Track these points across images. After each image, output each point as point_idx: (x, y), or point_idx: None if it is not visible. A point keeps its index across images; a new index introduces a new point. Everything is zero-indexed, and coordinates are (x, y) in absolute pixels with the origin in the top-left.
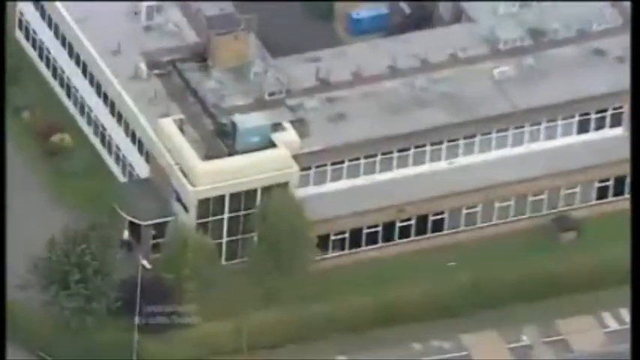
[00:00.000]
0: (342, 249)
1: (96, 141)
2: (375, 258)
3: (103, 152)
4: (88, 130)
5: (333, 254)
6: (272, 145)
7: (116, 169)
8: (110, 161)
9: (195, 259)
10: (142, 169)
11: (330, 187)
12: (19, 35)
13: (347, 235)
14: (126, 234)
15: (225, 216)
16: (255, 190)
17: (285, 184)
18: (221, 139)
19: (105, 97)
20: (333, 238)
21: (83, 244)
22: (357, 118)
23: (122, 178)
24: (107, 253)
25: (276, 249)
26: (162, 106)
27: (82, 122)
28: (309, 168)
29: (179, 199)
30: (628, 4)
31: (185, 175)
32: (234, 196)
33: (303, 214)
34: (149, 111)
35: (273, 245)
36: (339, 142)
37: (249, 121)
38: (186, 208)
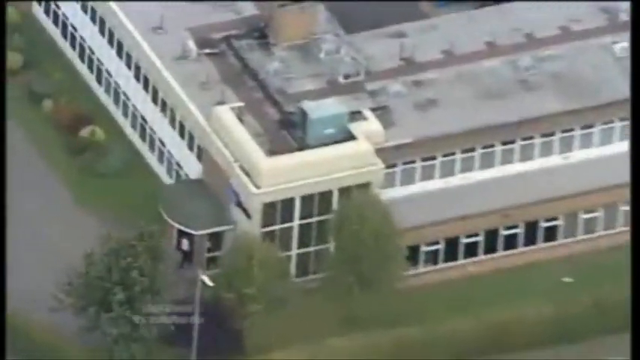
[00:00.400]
0: (436, 262)
1: (133, 135)
2: (475, 273)
3: (143, 148)
4: (124, 122)
5: (425, 269)
6: (350, 137)
7: (159, 169)
8: (152, 159)
9: (262, 275)
10: (193, 168)
11: (419, 187)
12: (38, 10)
13: (441, 245)
14: (185, 244)
15: (295, 223)
16: (330, 192)
17: (367, 185)
18: (288, 131)
19: (145, 82)
20: (424, 249)
21: (129, 258)
22: (450, 105)
23: (167, 180)
24: (157, 268)
25: (358, 262)
26: (216, 92)
27: (115, 113)
28: (394, 165)
29: (239, 204)
30: None
31: (247, 174)
32: (306, 200)
33: (390, 220)
34: (201, 98)
35: (354, 258)
36: (430, 133)
37: (322, 109)
38: (248, 214)
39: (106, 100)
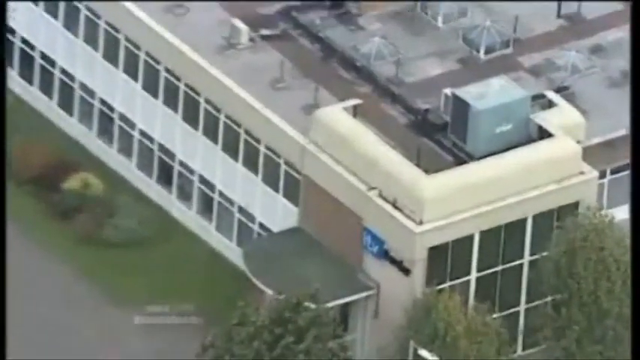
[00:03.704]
0: None
1: (143, 180)
2: None
3: (164, 197)
4: (123, 163)
5: None
6: (543, 134)
7: (201, 226)
8: (184, 212)
9: (474, 350)
10: (275, 214)
11: None
12: None
13: None
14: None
15: (473, 276)
16: (522, 223)
17: (574, 206)
18: (429, 137)
19: (170, 93)
20: None
21: (290, 337)
22: None
23: (222, 240)
24: (333, 352)
25: (606, 318)
26: (300, 92)
27: (104, 150)
28: (603, 174)
29: (386, 254)
30: None
31: (395, 206)
32: (488, 237)
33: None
34: (279, 102)
35: (590, 311)
36: None
37: (491, 95)
38: (405, 269)
39: (84, 134)
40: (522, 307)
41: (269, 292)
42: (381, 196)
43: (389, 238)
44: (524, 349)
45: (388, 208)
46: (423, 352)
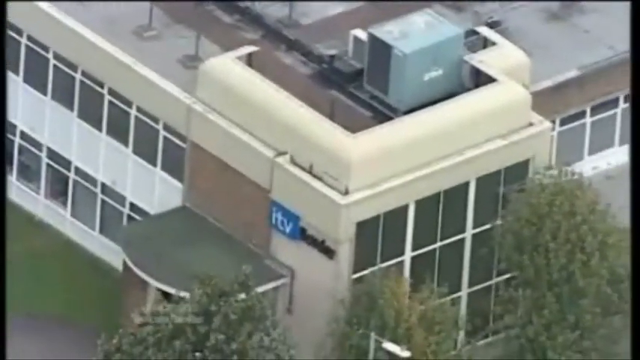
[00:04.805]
0: None
1: None
2: None
3: None
4: None
5: None
6: (481, 79)
7: (51, 211)
8: (33, 198)
9: (426, 337)
10: (153, 195)
11: (592, 161)
12: None
13: None
14: None
15: (407, 255)
16: (464, 185)
17: (525, 164)
18: (338, 89)
19: (7, 50)
20: None
21: (220, 335)
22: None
23: (83, 228)
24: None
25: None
26: (176, 40)
27: None
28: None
29: (302, 233)
30: None
31: (313, 174)
32: (424, 207)
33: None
34: (149, 55)
35: (562, 292)
36: (598, 60)
37: (417, 35)
38: (328, 250)
39: None
40: (465, 291)
41: (156, 285)
42: (293, 162)
43: (306, 213)
44: (469, 341)
45: (304, 176)
46: (391, 346)
